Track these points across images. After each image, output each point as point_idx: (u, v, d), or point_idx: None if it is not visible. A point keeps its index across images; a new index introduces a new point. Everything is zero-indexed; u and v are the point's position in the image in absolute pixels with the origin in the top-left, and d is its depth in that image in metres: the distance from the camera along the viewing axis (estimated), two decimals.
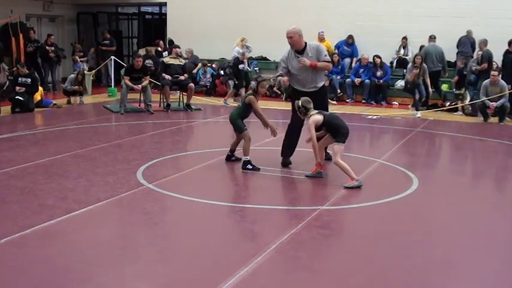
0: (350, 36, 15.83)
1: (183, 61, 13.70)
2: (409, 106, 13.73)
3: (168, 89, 12.73)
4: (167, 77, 12.76)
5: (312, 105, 6.90)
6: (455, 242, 5.14)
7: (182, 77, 12.98)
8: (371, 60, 15.17)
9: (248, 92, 7.77)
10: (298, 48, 7.32)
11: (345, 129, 6.79)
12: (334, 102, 14.55)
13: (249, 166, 7.29)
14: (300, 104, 6.88)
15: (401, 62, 15.40)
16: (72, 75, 13.89)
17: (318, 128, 6.88)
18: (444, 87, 14.62)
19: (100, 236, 5.02)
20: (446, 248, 4.97)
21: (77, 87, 13.50)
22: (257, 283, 4.15)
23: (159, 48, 16.98)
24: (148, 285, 4.09)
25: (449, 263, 4.61)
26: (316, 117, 6.77)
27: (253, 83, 7.60)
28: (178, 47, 14.14)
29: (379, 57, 14.90)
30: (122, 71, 13.62)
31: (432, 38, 14.44)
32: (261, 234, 5.18)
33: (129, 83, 12.37)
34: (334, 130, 6.78)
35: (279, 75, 7.67)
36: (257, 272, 4.28)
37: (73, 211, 5.51)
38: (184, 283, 4.13)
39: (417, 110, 12.99)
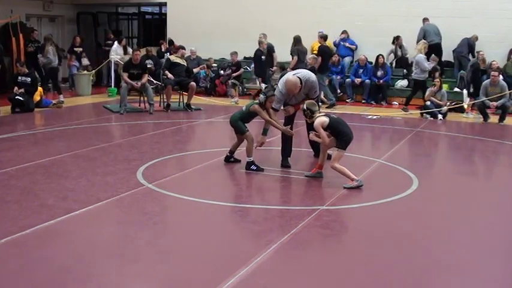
0: (344, 31, 15.86)
1: (186, 63, 13.47)
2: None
3: (171, 89, 12.67)
4: (170, 76, 12.69)
5: (317, 108, 6.94)
6: (455, 242, 5.15)
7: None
8: (370, 60, 15.17)
9: (255, 101, 7.71)
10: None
11: (348, 136, 6.73)
12: None
13: (253, 167, 7.28)
14: (305, 107, 6.91)
15: (402, 62, 15.39)
16: None
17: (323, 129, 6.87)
18: (444, 87, 14.61)
19: (100, 236, 5.02)
20: (446, 248, 4.97)
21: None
22: (257, 283, 4.14)
23: (163, 49, 16.81)
24: (148, 285, 4.09)
25: (449, 263, 4.61)
26: (321, 119, 6.75)
27: (261, 96, 7.49)
28: (184, 48, 13.83)
29: (383, 57, 14.90)
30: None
31: (426, 19, 14.61)
32: (261, 234, 5.17)
33: (128, 80, 12.27)
34: (337, 135, 6.77)
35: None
36: (257, 272, 4.27)
37: (73, 211, 5.51)
38: (184, 283, 4.13)
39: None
